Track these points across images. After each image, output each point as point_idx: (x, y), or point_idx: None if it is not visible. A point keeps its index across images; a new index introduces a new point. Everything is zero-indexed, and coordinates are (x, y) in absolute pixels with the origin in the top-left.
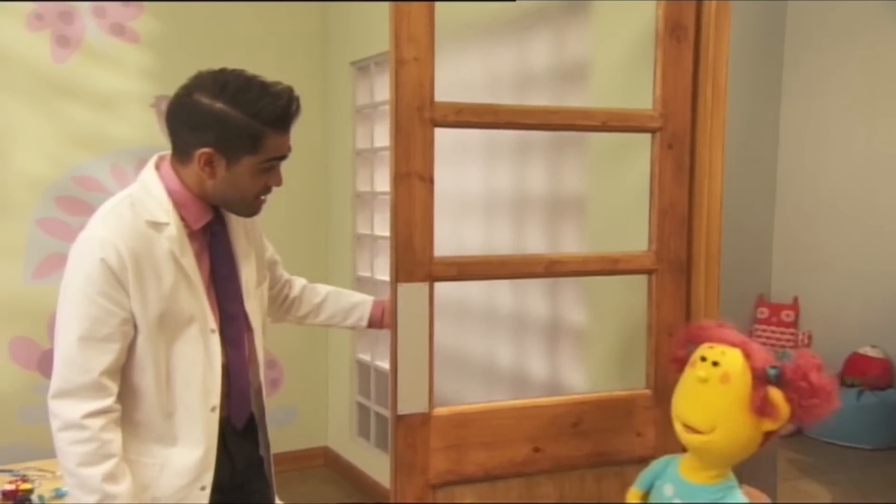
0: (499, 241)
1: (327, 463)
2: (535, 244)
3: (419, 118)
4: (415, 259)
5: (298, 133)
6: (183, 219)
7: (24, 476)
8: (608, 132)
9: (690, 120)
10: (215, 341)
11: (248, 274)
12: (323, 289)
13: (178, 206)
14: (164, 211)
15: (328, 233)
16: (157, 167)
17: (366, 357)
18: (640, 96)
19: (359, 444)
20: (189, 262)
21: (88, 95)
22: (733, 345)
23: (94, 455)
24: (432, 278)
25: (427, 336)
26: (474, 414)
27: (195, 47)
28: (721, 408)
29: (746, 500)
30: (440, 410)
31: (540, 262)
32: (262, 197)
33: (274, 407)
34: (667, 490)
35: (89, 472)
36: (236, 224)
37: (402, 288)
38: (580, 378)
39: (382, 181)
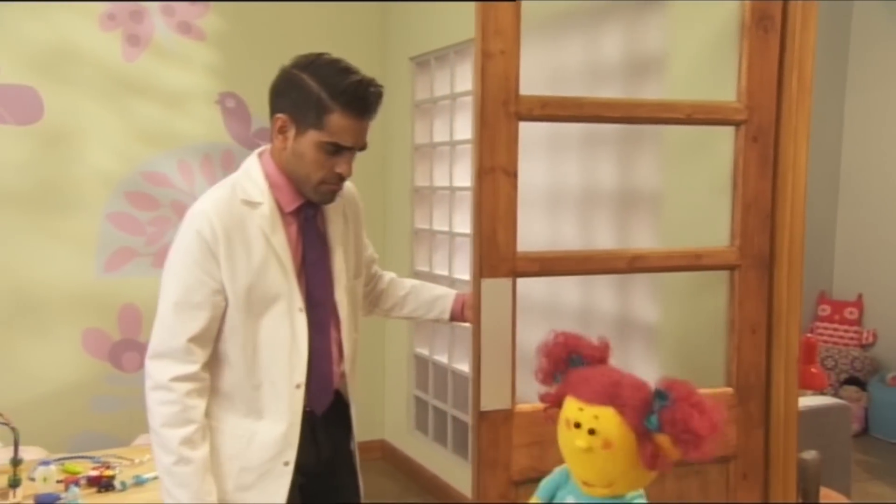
0: (566, 236)
1: (384, 456)
2: (604, 240)
3: (504, 112)
4: (498, 254)
5: None
6: (277, 201)
7: (106, 463)
8: (692, 125)
9: (775, 112)
10: (302, 321)
11: (340, 263)
12: (408, 282)
13: (273, 188)
14: (259, 192)
15: (386, 227)
16: (259, 155)
17: (423, 351)
18: (714, 90)
19: (416, 437)
20: (279, 240)
21: (157, 93)
22: (601, 402)
23: (175, 417)
24: (515, 274)
25: (510, 332)
26: (557, 411)
27: (258, 44)
28: (613, 469)
29: None
30: (523, 407)
31: (622, 258)
32: (330, 183)
33: None
34: (568, 502)
35: (170, 433)
36: (332, 213)
37: (486, 283)
38: (652, 376)
39: (441, 176)
